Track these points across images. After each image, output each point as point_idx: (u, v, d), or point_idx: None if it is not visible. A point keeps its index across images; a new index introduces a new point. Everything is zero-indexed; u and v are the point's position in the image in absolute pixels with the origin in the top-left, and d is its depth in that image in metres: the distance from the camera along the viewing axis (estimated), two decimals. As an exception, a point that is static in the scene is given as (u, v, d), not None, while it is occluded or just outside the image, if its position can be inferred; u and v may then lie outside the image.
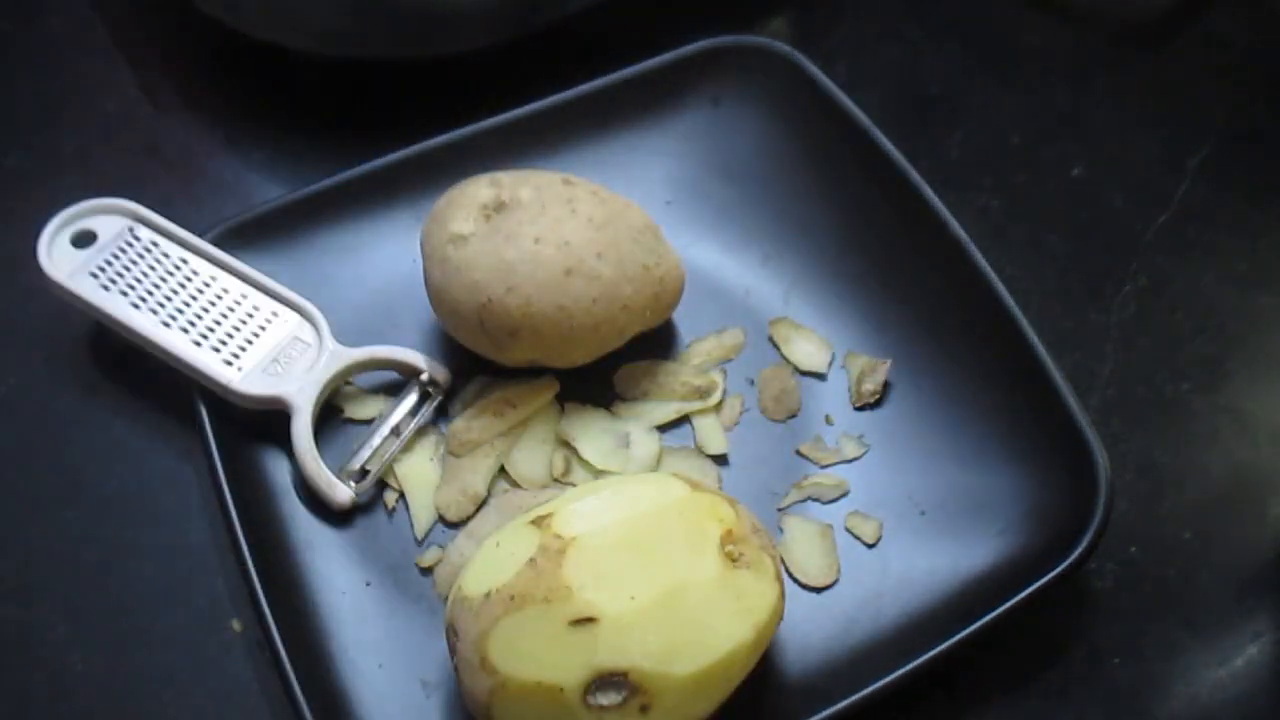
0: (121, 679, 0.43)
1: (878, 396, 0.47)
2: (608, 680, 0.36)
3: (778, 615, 0.39)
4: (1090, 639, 0.44)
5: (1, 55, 0.57)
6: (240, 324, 0.46)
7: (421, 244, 0.46)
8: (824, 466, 0.46)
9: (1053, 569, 0.41)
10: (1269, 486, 0.47)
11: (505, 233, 0.44)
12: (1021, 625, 0.42)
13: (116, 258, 0.47)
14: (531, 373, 0.47)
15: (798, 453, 0.47)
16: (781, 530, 0.45)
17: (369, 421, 0.47)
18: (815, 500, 0.45)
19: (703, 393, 0.47)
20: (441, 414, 0.47)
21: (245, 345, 0.46)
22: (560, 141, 0.51)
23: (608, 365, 0.47)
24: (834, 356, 0.48)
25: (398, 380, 0.47)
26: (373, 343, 0.47)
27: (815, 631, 0.43)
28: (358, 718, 0.41)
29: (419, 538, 0.45)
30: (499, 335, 0.44)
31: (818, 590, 0.44)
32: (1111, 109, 0.57)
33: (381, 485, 0.46)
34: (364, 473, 0.45)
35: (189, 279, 0.47)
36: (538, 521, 0.39)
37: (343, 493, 0.44)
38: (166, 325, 0.46)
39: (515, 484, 0.45)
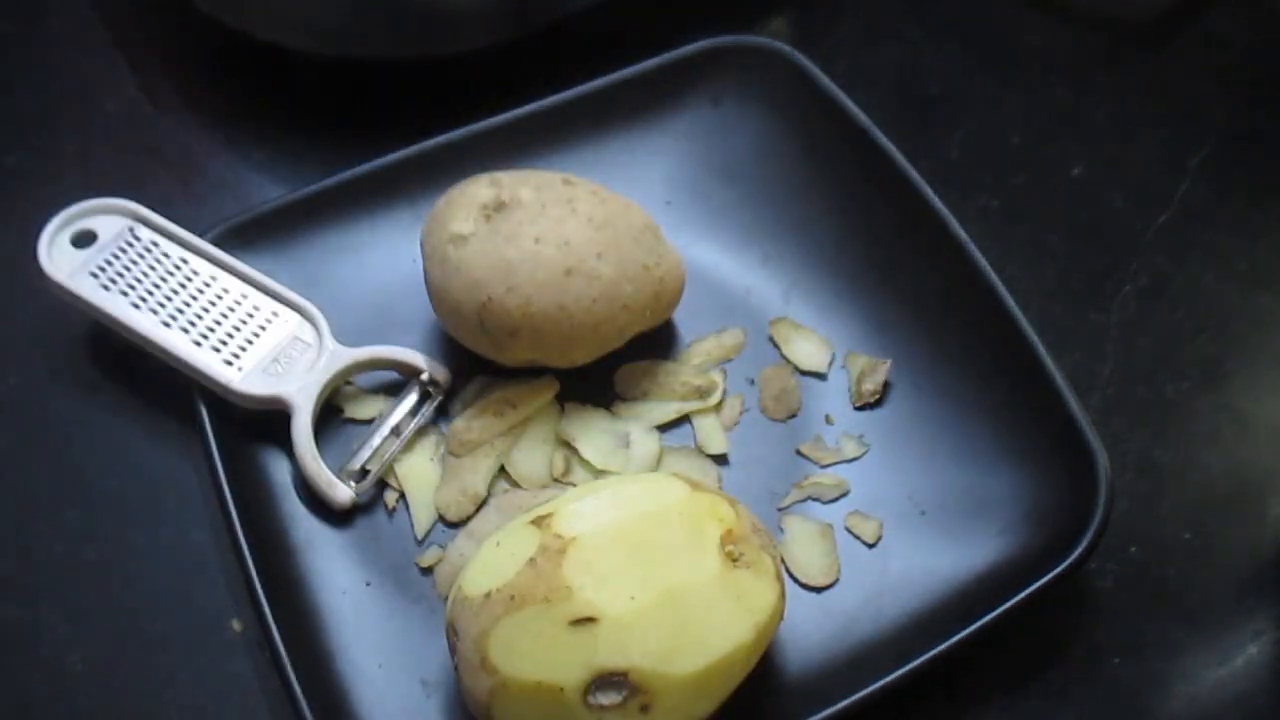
0: (122, 678, 0.43)
1: (878, 396, 0.47)
2: (608, 680, 0.36)
3: (778, 615, 0.39)
4: (1090, 638, 0.44)
5: (2, 55, 0.57)
6: (240, 324, 0.46)
7: (421, 244, 0.46)
8: (824, 466, 0.46)
9: (1053, 569, 0.41)
10: (1269, 486, 0.47)
11: (505, 232, 0.44)
12: (1022, 625, 0.42)
13: (117, 257, 0.47)
14: (531, 372, 0.47)
15: (798, 452, 0.47)
16: (782, 530, 0.45)
17: (369, 421, 0.47)
18: (815, 500, 0.45)
19: (703, 392, 0.47)
20: (442, 414, 0.47)
21: (245, 345, 0.46)
22: (560, 141, 0.51)
23: (608, 365, 0.47)
24: (834, 356, 0.48)
25: (398, 380, 0.47)
26: (373, 343, 0.47)
27: (815, 631, 0.43)
28: (358, 717, 0.41)
29: (419, 537, 0.45)
30: (499, 335, 0.44)
31: (818, 590, 0.44)
32: (1112, 109, 0.57)
33: (382, 485, 0.46)
34: (364, 473, 0.45)
35: (189, 279, 0.47)
36: (538, 521, 0.39)
37: (343, 492, 0.44)
38: (167, 325, 0.46)
39: (515, 484, 0.45)
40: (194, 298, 0.46)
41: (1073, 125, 0.56)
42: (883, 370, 0.47)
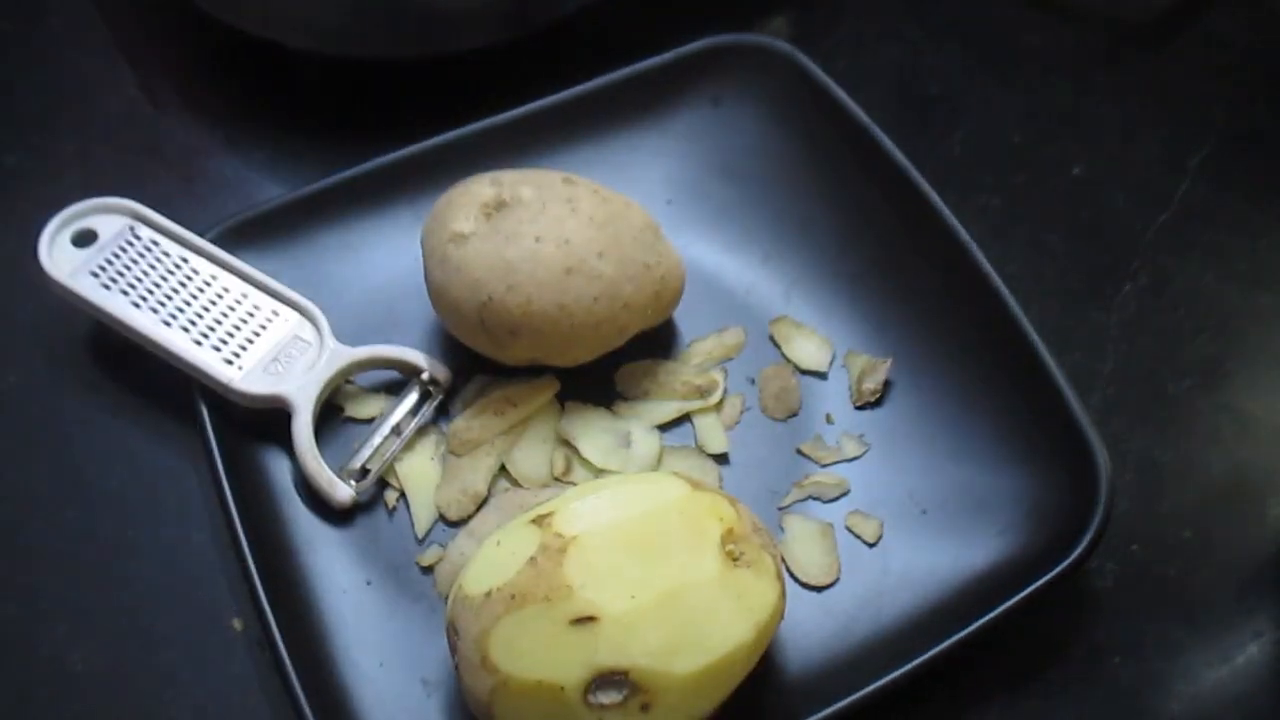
0: (122, 678, 0.43)
1: (878, 395, 0.47)
2: (608, 679, 0.36)
3: (778, 614, 0.39)
4: (1091, 638, 0.44)
5: (2, 55, 0.57)
6: (241, 323, 0.46)
7: (422, 243, 0.46)
8: (824, 465, 0.46)
9: (1053, 568, 0.41)
10: (1269, 485, 0.47)
11: (506, 231, 0.44)
12: (1022, 624, 0.42)
13: (117, 257, 0.47)
14: (532, 371, 0.47)
15: (798, 452, 0.47)
16: (782, 529, 0.45)
17: (370, 420, 0.47)
18: (816, 499, 0.45)
19: (703, 392, 0.47)
20: (442, 413, 0.47)
21: (246, 344, 0.46)
22: (561, 141, 0.51)
23: (608, 364, 0.47)
24: (834, 355, 0.48)
25: (398, 379, 0.47)
26: (373, 342, 0.47)
27: (816, 630, 0.43)
28: (358, 716, 0.41)
29: (420, 536, 0.45)
30: (499, 334, 0.44)
31: (818, 589, 0.44)
32: (1112, 108, 0.57)
33: (382, 484, 0.46)
34: (365, 472, 0.45)
35: (189, 278, 0.47)
36: (538, 520, 0.39)
37: (343, 492, 0.44)
38: (167, 324, 0.46)
39: (516, 483, 0.45)
40: (194, 297, 0.46)
41: (1073, 125, 0.56)
42: (883, 369, 0.47)
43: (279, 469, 0.45)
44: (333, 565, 0.44)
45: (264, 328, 0.46)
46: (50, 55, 0.57)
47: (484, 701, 0.37)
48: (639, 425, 0.46)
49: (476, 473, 0.45)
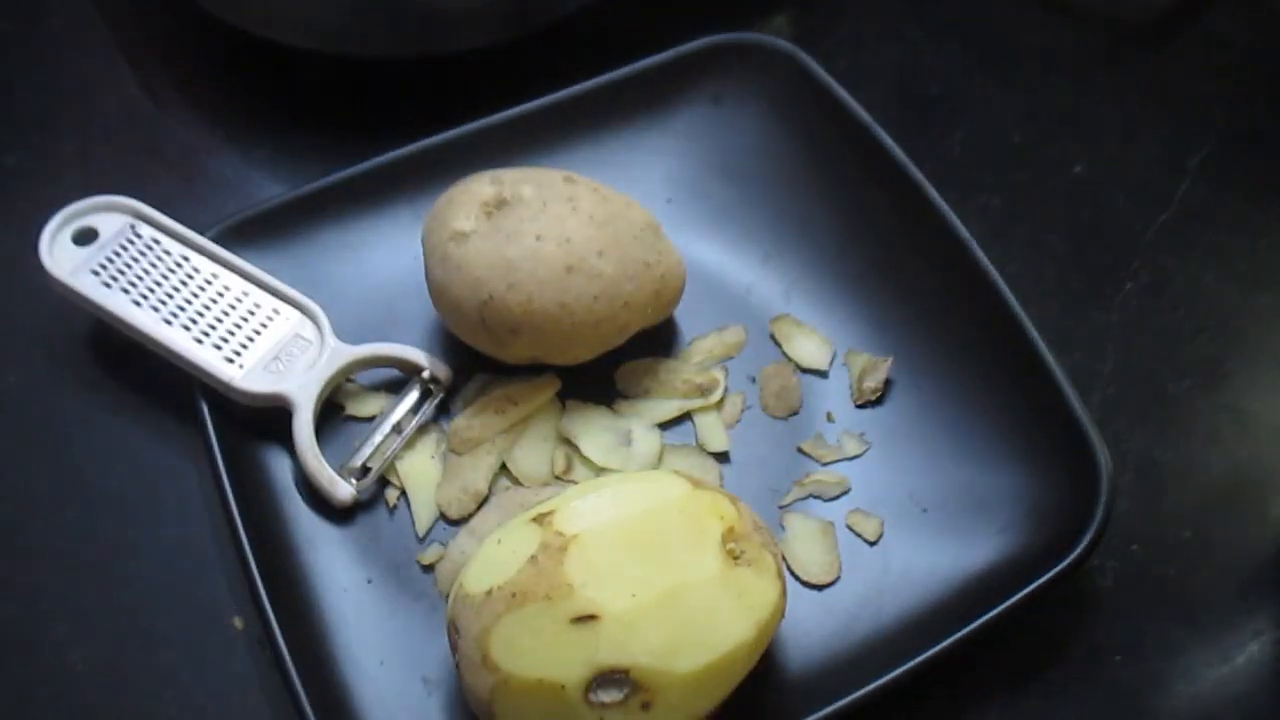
0: (123, 677, 0.42)
1: (879, 394, 0.47)
2: (609, 678, 0.36)
3: (779, 613, 0.39)
4: (1091, 637, 0.44)
5: (2, 54, 0.57)
6: (241, 321, 0.46)
7: (423, 241, 0.46)
8: (825, 464, 0.46)
9: (1054, 567, 0.41)
10: (1270, 485, 0.47)
11: (506, 230, 0.44)
12: (1023, 623, 0.42)
13: (118, 255, 0.47)
14: (533, 370, 0.47)
15: (799, 450, 0.47)
16: (783, 528, 0.45)
17: (370, 419, 0.47)
18: (816, 498, 0.45)
19: (704, 390, 0.47)
20: (443, 411, 0.47)
21: (246, 343, 0.46)
22: (561, 139, 0.51)
23: (609, 363, 0.47)
24: (835, 354, 0.48)
25: (399, 378, 0.47)
26: (374, 340, 0.47)
27: (816, 629, 0.43)
28: (359, 715, 0.41)
29: (420, 535, 0.45)
30: (500, 332, 0.44)
31: (819, 588, 0.44)
32: (1112, 108, 0.57)
33: (383, 483, 0.46)
34: (365, 470, 0.45)
35: (190, 276, 0.47)
36: (539, 519, 0.39)
37: (344, 490, 0.44)
38: (168, 323, 0.46)
39: (517, 481, 0.45)
40: (195, 295, 0.46)
41: (1073, 125, 0.56)
42: (884, 368, 0.47)
43: (280, 467, 0.45)
44: (333, 564, 0.44)
45: (265, 326, 0.46)
46: (50, 54, 0.57)
47: (485, 700, 0.37)
48: (640, 424, 0.46)
49: (477, 471, 0.45)
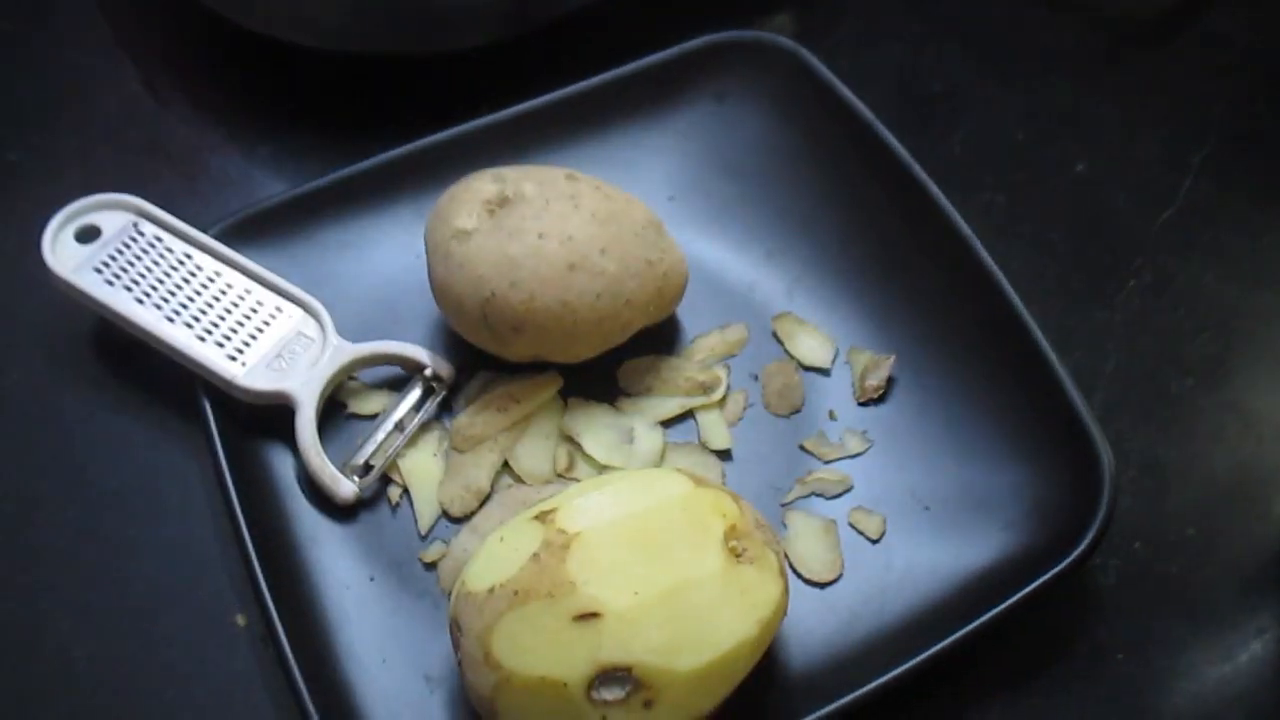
0: (126, 674, 0.42)
1: (881, 392, 0.47)
2: (611, 675, 0.36)
3: (781, 611, 0.39)
4: (1094, 635, 0.44)
5: (4, 53, 0.57)
6: (244, 319, 0.46)
7: (425, 239, 0.46)
8: (828, 462, 0.46)
9: (1056, 565, 0.41)
10: (1272, 483, 0.47)
11: (509, 228, 0.44)
12: (1025, 621, 0.42)
13: (120, 253, 0.47)
14: (535, 368, 0.47)
15: (801, 448, 0.47)
16: (785, 525, 0.45)
17: (373, 417, 0.47)
18: (819, 495, 0.45)
19: (706, 388, 0.47)
20: (445, 409, 0.47)
21: (249, 340, 0.46)
22: (563, 137, 0.51)
23: (611, 360, 0.47)
24: (837, 352, 0.48)
25: (401, 375, 0.47)
26: (376, 338, 0.47)
27: (819, 627, 0.43)
28: (361, 713, 0.41)
29: (423, 533, 0.45)
30: (502, 330, 0.44)
31: (821, 586, 0.44)
32: (1113, 107, 0.57)
33: (385, 480, 0.46)
34: (368, 468, 0.45)
35: (193, 274, 0.47)
36: (541, 517, 0.39)
37: (346, 488, 0.44)
38: (170, 320, 0.46)
39: (519, 479, 0.45)
40: (197, 293, 0.46)
41: (1074, 123, 0.56)
42: (886, 366, 0.47)
43: (282, 465, 0.45)
44: (336, 561, 0.44)
45: (267, 324, 0.46)
46: (52, 53, 0.57)
47: (487, 698, 0.37)
48: (642, 421, 0.46)
49: (479, 469, 0.45)
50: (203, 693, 0.42)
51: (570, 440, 0.46)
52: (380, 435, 0.45)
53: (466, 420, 0.46)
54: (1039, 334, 0.45)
